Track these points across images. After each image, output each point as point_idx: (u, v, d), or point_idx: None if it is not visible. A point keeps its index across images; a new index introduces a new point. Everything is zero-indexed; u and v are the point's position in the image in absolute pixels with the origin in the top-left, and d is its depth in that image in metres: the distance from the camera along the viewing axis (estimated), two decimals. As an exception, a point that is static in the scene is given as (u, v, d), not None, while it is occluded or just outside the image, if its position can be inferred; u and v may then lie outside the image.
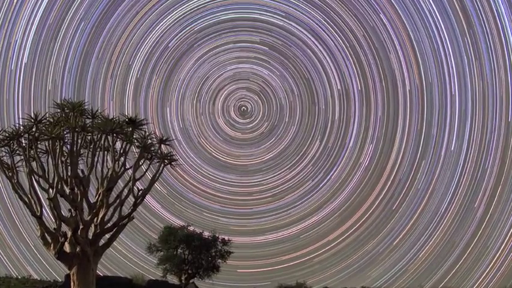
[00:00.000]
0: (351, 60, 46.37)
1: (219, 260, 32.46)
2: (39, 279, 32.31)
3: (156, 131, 19.43)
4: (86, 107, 17.12)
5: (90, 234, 16.86)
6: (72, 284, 16.63)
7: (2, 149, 16.85)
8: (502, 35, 42.77)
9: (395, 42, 45.31)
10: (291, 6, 45.94)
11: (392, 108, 46.24)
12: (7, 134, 16.72)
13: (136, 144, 17.39)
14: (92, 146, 16.88)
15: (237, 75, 48.01)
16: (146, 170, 17.68)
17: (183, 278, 31.95)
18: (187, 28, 46.68)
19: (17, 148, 16.79)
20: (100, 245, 17.03)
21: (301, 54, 47.08)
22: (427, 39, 44.28)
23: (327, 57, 46.96)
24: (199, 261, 32.05)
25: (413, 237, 43.17)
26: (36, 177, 16.57)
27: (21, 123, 16.84)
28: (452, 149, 44.64)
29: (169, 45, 46.87)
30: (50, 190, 16.49)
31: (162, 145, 17.79)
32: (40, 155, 16.73)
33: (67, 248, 16.48)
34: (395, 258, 42.75)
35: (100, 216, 16.92)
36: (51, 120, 16.86)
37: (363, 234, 43.95)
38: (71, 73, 45.00)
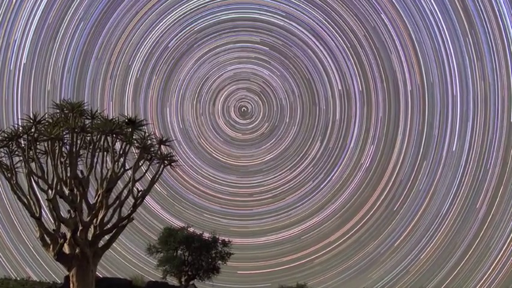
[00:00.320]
0: (352, 60, 46.27)
1: (219, 262, 32.35)
2: (38, 280, 32.17)
3: (156, 131, 19.38)
4: (85, 108, 17.11)
5: (90, 236, 16.82)
6: (71, 285, 16.58)
7: (1, 149, 16.80)
8: (504, 35, 42.66)
9: (396, 43, 45.19)
10: (292, 6, 45.86)
11: (393, 109, 46.12)
12: (6, 135, 16.67)
13: (136, 145, 17.36)
14: (91, 147, 16.84)
15: (237, 76, 47.91)
16: (146, 171, 17.65)
17: (183, 280, 31.86)
18: (187, 28, 46.57)
19: (16, 149, 16.73)
20: (99, 246, 16.98)
21: (302, 54, 46.98)
22: (428, 40, 44.19)
23: (328, 58, 46.84)
24: (199, 263, 31.95)
25: (415, 239, 43.05)
26: (36, 178, 16.52)
27: (20, 124, 16.84)
28: (453, 149, 44.52)
29: (169, 45, 46.76)
30: (49, 191, 16.44)
31: (162, 146, 17.75)
32: (39, 156, 16.67)
33: (66, 249, 16.44)
34: (397, 259, 42.62)
35: (99, 217, 16.88)
36: (51, 120, 16.82)
37: (364, 236, 43.84)
38: (70, 73, 44.90)
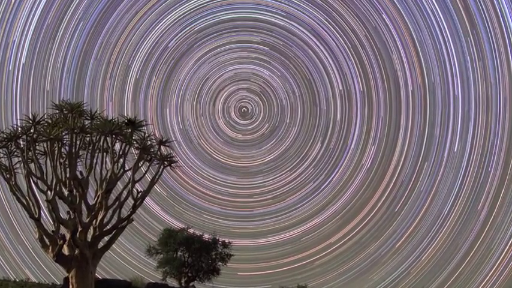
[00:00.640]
0: (353, 60, 46.12)
1: (220, 263, 32.29)
2: (37, 282, 32.08)
3: (156, 132, 19.27)
4: (84, 108, 17.05)
5: (89, 237, 16.76)
6: (70, 287, 16.51)
7: (0, 150, 16.73)
8: (506, 35, 42.49)
9: (397, 43, 45.02)
10: (292, 6, 45.75)
11: (394, 109, 45.93)
12: (5, 135, 16.60)
13: (136, 145, 17.30)
14: (90, 148, 16.78)
15: (237, 76, 47.76)
16: (146, 172, 17.58)
17: (182, 281, 31.78)
18: (187, 28, 46.42)
19: (15, 149, 16.66)
20: (99, 247, 16.91)
21: (303, 54, 46.83)
22: (429, 40, 44.04)
23: (329, 58, 46.69)
24: (199, 264, 31.87)
25: (416, 240, 42.91)
26: (35, 179, 16.44)
27: (19, 125, 16.76)
28: (455, 150, 44.38)
29: (169, 45, 46.59)
30: (49, 192, 16.37)
31: (162, 146, 17.67)
32: (38, 157, 16.60)
33: (65, 250, 16.38)
34: (398, 260, 42.49)
35: (99, 218, 16.81)
36: (50, 121, 16.75)
37: (364, 237, 43.69)
38: (69, 73, 44.77)
